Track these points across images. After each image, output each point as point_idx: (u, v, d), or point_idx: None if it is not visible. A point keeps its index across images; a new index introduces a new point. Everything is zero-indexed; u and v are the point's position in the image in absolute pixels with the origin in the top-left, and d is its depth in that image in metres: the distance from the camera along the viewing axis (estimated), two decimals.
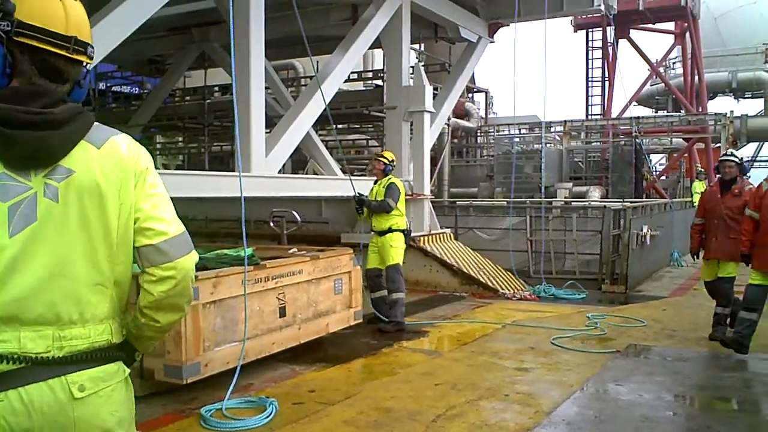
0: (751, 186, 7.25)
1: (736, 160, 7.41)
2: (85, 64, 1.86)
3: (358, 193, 8.10)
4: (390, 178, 8.27)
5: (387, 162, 8.37)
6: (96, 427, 1.76)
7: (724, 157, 7.55)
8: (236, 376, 5.20)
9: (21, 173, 1.71)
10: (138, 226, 1.83)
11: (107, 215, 1.78)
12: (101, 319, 1.80)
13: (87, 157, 1.77)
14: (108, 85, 19.10)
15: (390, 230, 8.08)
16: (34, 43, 1.74)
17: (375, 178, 8.64)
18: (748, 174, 8.19)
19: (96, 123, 1.85)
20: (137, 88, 19.81)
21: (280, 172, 9.09)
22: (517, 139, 22.65)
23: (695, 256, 7.90)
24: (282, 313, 6.17)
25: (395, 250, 8.05)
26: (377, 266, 8.17)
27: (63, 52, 1.78)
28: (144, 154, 1.88)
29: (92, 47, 1.88)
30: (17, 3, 1.73)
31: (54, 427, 1.69)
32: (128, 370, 1.89)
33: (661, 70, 30.50)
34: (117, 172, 1.80)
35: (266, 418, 4.74)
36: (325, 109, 8.96)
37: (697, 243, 7.77)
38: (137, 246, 1.84)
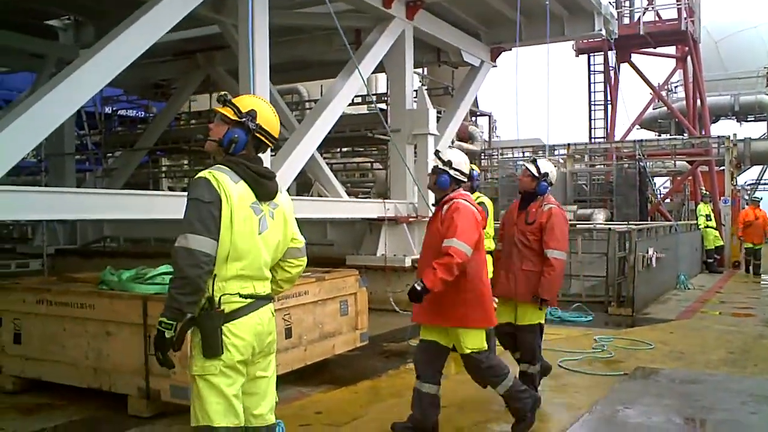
0: (552, 206, 5.75)
1: (532, 170, 5.84)
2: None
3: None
4: (480, 196, 7.31)
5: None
6: (273, 331, 3.36)
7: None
8: None
9: (261, 203, 3.28)
10: (291, 237, 3.47)
11: (286, 228, 3.42)
12: (270, 280, 3.39)
13: (280, 196, 3.41)
14: (114, 108, 19.22)
15: None
16: (262, 138, 3.35)
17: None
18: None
19: None
20: (143, 112, 19.91)
21: None
22: (521, 162, 22.67)
23: None
24: (288, 334, 6.15)
25: None
26: None
27: (269, 144, 3.40)
28: None
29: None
30: (258, 113, 3.31)
31: (267, 329, 3.30)
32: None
33: (664, 93, 30.58)
34: (288, 206, 3.46)
35: None
36: (330, 132, 9.02)
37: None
38: (289, 247, 3.47)
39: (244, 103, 3.33)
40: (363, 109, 18.63)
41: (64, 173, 13.62)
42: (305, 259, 3.55)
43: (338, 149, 18.57)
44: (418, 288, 4.58)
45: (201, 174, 3.19)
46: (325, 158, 13.93)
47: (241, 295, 3.16)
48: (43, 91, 6.10)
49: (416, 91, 12.23)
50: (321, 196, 11.87)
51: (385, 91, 15.54)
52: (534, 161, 5.93)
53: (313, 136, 9.19)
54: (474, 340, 4.79)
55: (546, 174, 5.80)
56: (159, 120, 15.46)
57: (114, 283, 5.84)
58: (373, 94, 18.08)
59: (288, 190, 9.55)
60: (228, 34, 10.38)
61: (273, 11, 8.28)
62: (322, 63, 14.44)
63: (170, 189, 19.69)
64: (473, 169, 5.29)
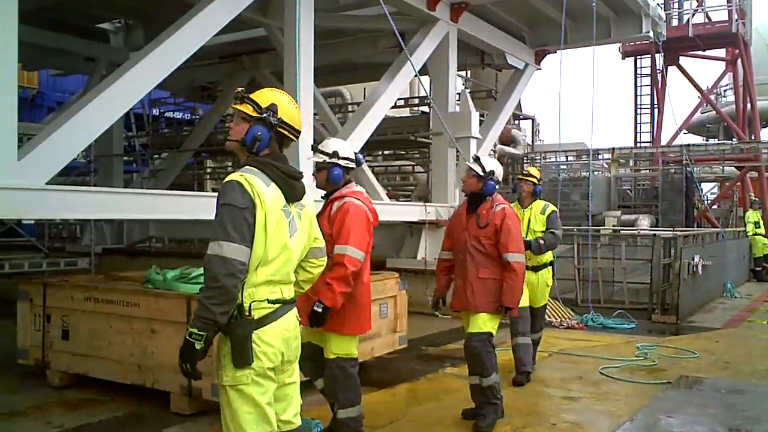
0: (504, 206, 5.35)
1: (476, 169, 5.34)
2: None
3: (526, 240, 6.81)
4: (547, 204, 7.22)
5: (537, 182, 7.22)
6: (298, 335, 3.24)
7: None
8: None
9: (290, 205, 3.14)
10: (314, 237, 3.36)
11: (311, 229, 3.31)
12: (293, 282, 3.27)
13: (306, 197, 3.27)
14: (161, 111, 19.59)
15: (543, 265, 7.12)
16: (285, 133, 3.20)
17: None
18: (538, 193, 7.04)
19: None
20: (189, 114, 20.27)
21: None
22: (564, 167, 22.46)
23: (439, 304, 5.65)
24: None
25: (548, 289, 7.25)
26: (528, 305, 6.87)
27: (293, 138, 3.24)
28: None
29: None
30: (279, 107, 3.16)
31: (294, 334, 3.19)
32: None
33: (712, 97, 29.98)
34: (312, 206, 3.33)
35: None
36: (372, 135, 9.07)
37: (442, 285, 5.68)
38: (311, 247, 3.35)
39: (262, 97, 3.18)
40: (405, 112, 18.65)
41: (112, 174, 13.94)
42: (326, 258, 3.48)
43: (380, 152, 18.61)
44: (319, 310, 4.25)
45: (232, 177, 3.02)
46: (366, 161, 13.98)
47: (269, 301, 3.05)
48: (94, 94, 6.26)
49: (459, 94, 12.21)
50: None
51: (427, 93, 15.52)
52: (477, 159, 5.42)
53: (356, 138, 9.24)
54: (342, 346, 4.54)
55: (492, 172, 5.32)
56: (204, 122, 15.72)
57: (159, 282, 5.96)
58: (416, 97, 18.10)
59: None
60: (273, 37, 10.50)
61: (318, 14, 8.36)
62: (365, 66, 14.52)
63: (214, 190, 19.96)
64: (357, 153, 4.74)
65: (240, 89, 3.22)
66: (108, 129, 6.69)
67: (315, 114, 10.19)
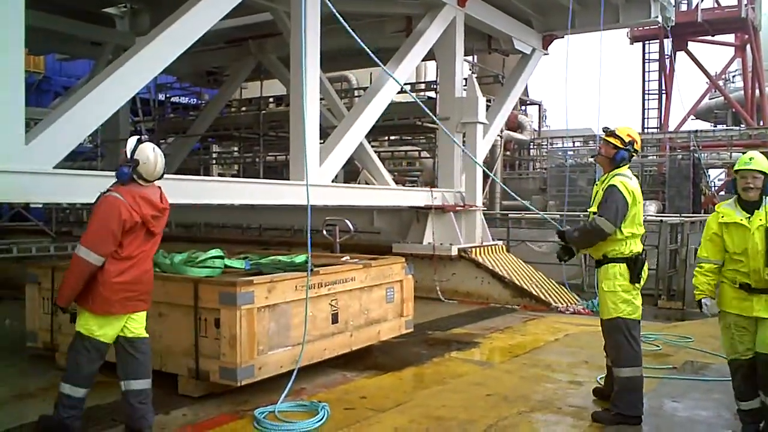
0: (108, 193, 4.62)
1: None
2: None
3: (559, 228, 5.72)
4: (615, 175, 5.29)
5: (621, 145, 5.36)
6: None
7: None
8: (292, 379, 5.26)
9: None
10: None
11: None
12: None
13: None
14: (167, 96, 19.61)
15: (605, 259, 5.24)
16: None
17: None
18: None
19: None
20: (195, 99, 20.29)
21: (333, 181, 9.18)
22: (570, 152, 22.40)
23: None
24: (334, 319, 6.22)
25: (612, 296, 5.23)
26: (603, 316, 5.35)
27: None
28: None
29: None
30: None
31: None
32: None
33: (721, 83, 29.81)
34: None
35: (318, 422, 4.78)
36: (378, 120, 9.05)
37: None
38: None
39: None
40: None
41: (118, 159, 13.94)
42: None
43: (386, 137, 18.60)
44: None
45: None
46: (373, 146, 13.97)
47: None
48: (100, 78, 6.25)
49: (466, 79, 12.17)
50: (368, 184, 11.92)
51: (434, 78, 15.47)
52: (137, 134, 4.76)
53: (362, 124, 9.23)
54: None
55: (136, 162, 4.69)
56: (210, 107, 15.71)
57: (166, 266, 5.97)
58: (422, 82, 18.03)
59: (336, 178, 9.65)
60: (280, 22, 10.48)
61: None
62: (372, 50, 14.45)
63: (220, 175, 20.01)
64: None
65: None
66: (114, 114, 6.69)
67: (321, 99, 10.18)
